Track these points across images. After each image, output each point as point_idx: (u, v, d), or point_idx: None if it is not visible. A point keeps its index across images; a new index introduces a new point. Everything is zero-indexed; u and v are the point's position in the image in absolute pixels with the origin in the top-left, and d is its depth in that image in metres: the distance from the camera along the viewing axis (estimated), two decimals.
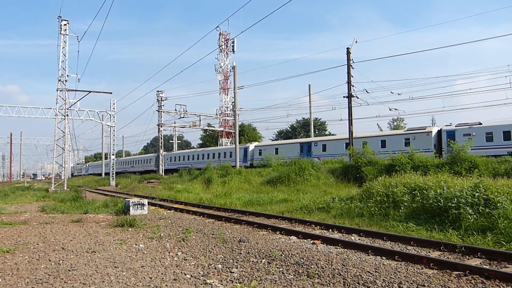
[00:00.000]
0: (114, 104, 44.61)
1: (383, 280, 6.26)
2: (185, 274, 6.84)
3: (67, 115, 34.67)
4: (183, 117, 47.50)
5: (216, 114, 57.79)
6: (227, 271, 7.05)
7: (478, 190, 10.63)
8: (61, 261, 7.70)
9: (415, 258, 7.49)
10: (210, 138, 70.65)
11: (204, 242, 9.73)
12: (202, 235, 10.64)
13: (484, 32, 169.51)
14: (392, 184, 13.44)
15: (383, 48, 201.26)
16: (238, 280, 6.52)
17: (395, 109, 32.41)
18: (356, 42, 27.62)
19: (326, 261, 7.43)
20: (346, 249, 8.78)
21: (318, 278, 6.49)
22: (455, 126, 27.96)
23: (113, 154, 48.00)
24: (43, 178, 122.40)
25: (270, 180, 25.15)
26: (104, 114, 44.51)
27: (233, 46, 58.50)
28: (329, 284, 6.20)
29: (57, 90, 33.66)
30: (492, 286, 5.98)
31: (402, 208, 11.92)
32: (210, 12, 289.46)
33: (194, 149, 63.99)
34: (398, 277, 6.38)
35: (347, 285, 6.12)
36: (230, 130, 55.42)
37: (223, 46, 58.91)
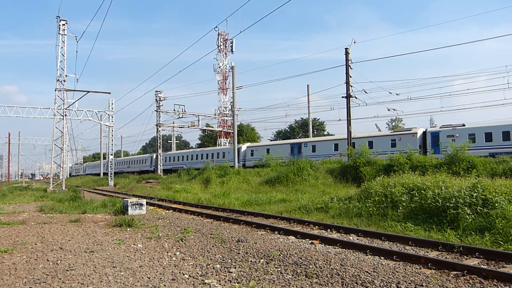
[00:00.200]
0: (112, 104, 44.53)
1: (381, 280, 6.26)
2: (183, 274, 6.83)
3: (65, 115, 34.59)
4: (182, 117, 47.49)
5: (215, 114, 57.75)
6: (225, 271, 7.05)
7: (476, 190, 10.65)
8: (59, 261, 7.69)
9: (413, 258, 7.50)
10: (209, 138, 70.62)
11: (203, 242, 9.73)
12: (201, 235, 10.64)
13: (482, 32, 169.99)
14: (391, 184, 13.45)
15: (382, 49, 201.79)
16: (237, 280, 6.52)
17: (394, 109, 32.52)
18: (354, 42, 27.67)
19: (324, 261, 7.43)
20: (344, 249, 8.79)
21: (316, 278, 6.49)
22: (439, 128, 28.82)
23: (111, 154, 47.93)
24: (42, 178, 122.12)
25: (268, 180, 25.15)
26: (102, 114, 44.46)
27: (231, 46, 58.45)
28: (327, 284, 6.20)
29: (55, 90, 33.57)
30: (490, 286, 5.99)
31: (400, 208, 11.94)
32: (209, 12, 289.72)
33: (188, 150, 64.44)
34: (396, 277, 6.38)
35: (345, 285, 6.12)
36: (228, 130, 55.38)
37: (221, 46, 58.83)
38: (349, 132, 26.93)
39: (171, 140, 70.91)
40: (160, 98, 46.48)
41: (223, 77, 59.64)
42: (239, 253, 8.37)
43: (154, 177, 42.31)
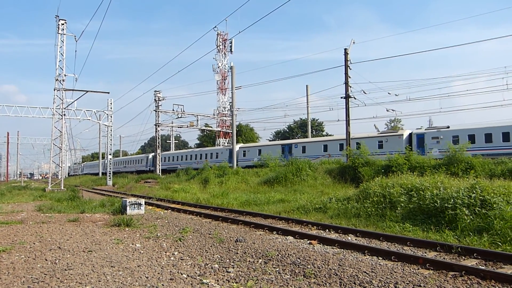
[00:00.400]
0: (111, 103, 44.51)
1: (380, 280, 6.27)
2: (182, 274, 6.83)
3: (64, 114, 34.59)
4: (181, 117, 47.44)
5: (214, 114, 57.71)
6: (223, 271, 7.05)
7: (474, 191, 10.67)
8: (57, 261, 7.68)
9: (412, 258, 7.52)
10: (208, 138, 70.57)
11: (201, 242, 9.73)
12: (199, 235, 10.64)
13: (482, 33, 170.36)
14: (389, 185, 13.47)
15: (381, 49, 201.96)
16: (235, 280, 6.52)
17: (392, 110, 32.52)
18: (353, 43, 27.70)
19: (322, 261, 7.44)
20: (342, 249, 8.80)
21: (314, 278, 6.50)
22: (425, 130, 29.65)
23: (110, 154, 47.88)
24: (40, 178, 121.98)
25: (267, 180, 25.17)
26: (101, 114, 44.42)
27: (231, 46, 58.49)
28: (326, 284, 6.21)
29: (54, 90, 33.56)
30: (488, 287, 6.01)
31: (398, 208, 11.95)
32: (209, 12, 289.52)
33: (182, 150, 64.76)
34: (395, 278, 6.40)
35: (344, 285, 6.13)
36: (227, 130, 55.38)
37: (221, 46, 58.82)
38: (348, 133, 26.95)
39: (169, 140, 70.93)
40: (159, 98, 46.44)
41: (222, 77, 59.62)
42: (237, 253, 8.38)
43: (152, 177, 42.27)
